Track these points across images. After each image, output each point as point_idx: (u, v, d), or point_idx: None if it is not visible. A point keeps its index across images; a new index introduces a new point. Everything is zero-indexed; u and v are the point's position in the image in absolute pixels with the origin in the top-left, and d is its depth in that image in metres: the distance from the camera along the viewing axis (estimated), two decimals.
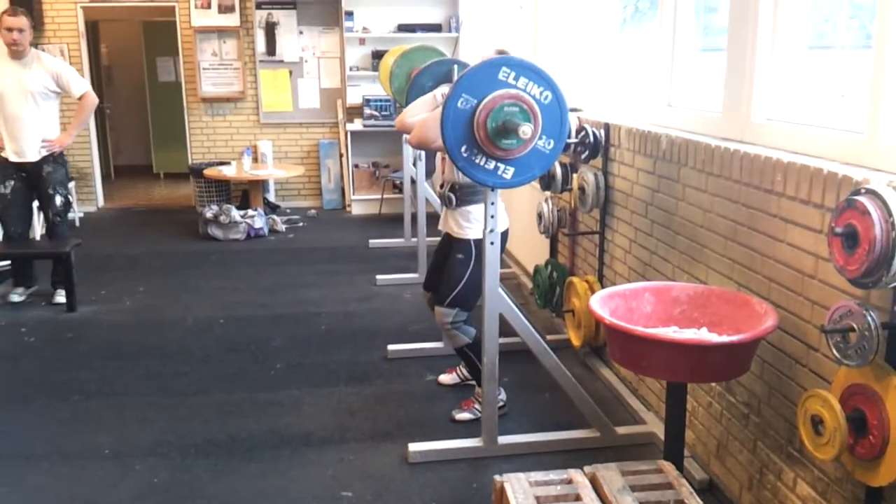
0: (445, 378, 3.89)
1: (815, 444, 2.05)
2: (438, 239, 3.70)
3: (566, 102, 2.79)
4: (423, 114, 3.33)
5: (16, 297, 5.21)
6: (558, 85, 2.75)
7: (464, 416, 3.50)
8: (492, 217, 2.96)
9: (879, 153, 2.13)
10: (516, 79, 2.69)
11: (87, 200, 8.41)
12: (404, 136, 6.04)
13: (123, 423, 3.52)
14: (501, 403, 3.48)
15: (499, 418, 3.23)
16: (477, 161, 2.75)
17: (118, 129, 10.92)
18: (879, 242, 1.78)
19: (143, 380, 3.99)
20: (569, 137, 3.79)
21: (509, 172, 2.80)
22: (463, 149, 2.73)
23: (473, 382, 3.59)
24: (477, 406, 3.47)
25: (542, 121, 2.71)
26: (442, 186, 3.49)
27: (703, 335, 2.46)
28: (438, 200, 3.80)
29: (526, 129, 2.62)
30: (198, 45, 8.13)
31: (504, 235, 3.33)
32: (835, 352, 1.99)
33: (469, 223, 3.38)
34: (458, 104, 2.69)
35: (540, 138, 2.75)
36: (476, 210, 3.34)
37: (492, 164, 2.77)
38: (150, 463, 3.16)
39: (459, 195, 3.36)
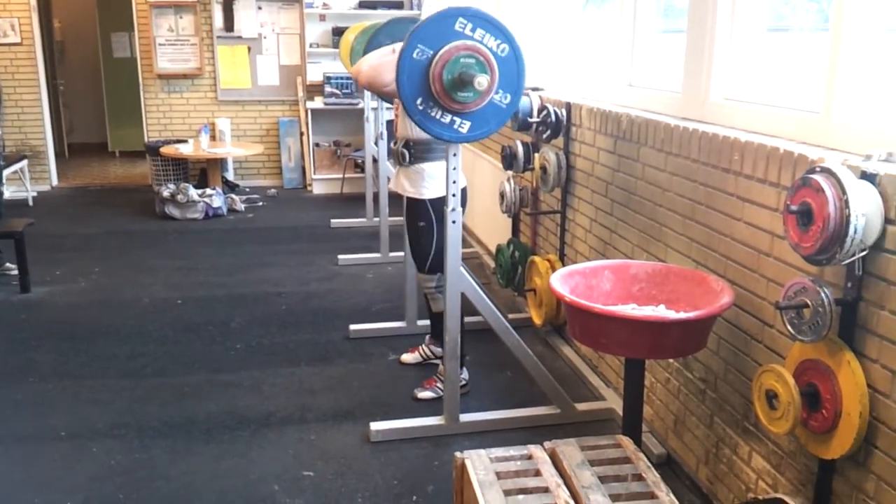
0: (408, 357, 3.89)
1: (770, 419, 2.10)
2: (401, 218, 3.67)
3: (523, 55, 2.78)
4: None
5: None
6: (516, 38, 2.74)
7: (426, 394, 3.50)
8: (453, 195, 2.95)
9: (834, 133, 2.17)
10: (473, 30, 2.68)
11: (40, 179, 8.18)
12: (365, 111, 6.00)
13: (79, 405, 3.46)
14: (463, 382, 3.49)
15: (461, 396, 3.25)
16: (433, 114, 2.74)
17: (72, 106, 10.64)
18: (833, 220, 1.82)
19: (99, 361, 3.92)
20: (531, 117, 3.79)
21: (465, 126, 2.78)
22: (419, 101, 2.71)
23: (436, 361, 3.59)
24: (439, 385, 3.48)
25: (499, 74, 2.70)
26: (395, 143, 3.46)
27: (661, 312, 2.49)
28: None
29: (482, 81, 2.61)
30: (153, 20, 7.93)
31: (463, 194, 3.31)
32: (789, 328, 2.02)
33: (423, 181, 3.34)
34: (414, 55, 2.66)
35: (496, 92, 2.74)
36: (430, 167, 3.31)
37: (448, 118, 2.76)
38: (107, 445, 3.12)
39: (413, 152, 3.33)
